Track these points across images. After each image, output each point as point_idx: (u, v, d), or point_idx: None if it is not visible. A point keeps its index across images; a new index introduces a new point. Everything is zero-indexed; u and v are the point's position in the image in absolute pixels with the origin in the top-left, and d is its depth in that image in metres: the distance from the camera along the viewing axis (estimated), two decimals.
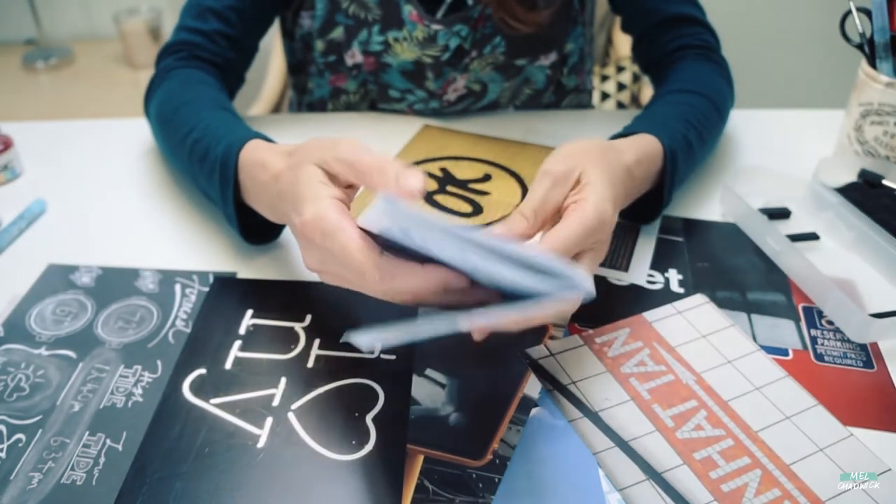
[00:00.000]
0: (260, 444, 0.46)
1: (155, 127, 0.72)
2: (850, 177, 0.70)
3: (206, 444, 0.46)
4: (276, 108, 1.53)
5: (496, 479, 0.45)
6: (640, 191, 0.61)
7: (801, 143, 0.81)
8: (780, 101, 2.03)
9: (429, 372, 0.52)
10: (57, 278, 0.61)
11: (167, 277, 0.61)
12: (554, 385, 0.51)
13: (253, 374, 0.51)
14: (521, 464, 0.45)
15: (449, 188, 0.73)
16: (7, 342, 0.54)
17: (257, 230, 0.61)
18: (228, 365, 0.52)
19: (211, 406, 0.49)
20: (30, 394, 0.50)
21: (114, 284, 0.60)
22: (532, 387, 0.51)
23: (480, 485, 0.44)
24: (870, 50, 0.70)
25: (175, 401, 0.49)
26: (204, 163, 0.60)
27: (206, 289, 0.59)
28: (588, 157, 0.52)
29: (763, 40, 1.97)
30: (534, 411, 0.49)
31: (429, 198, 0.71)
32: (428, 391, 0.50)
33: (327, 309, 0.57)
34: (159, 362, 0.52)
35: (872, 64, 0.70)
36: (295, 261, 0.62)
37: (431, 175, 0.75)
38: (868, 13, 0.70)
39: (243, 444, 0.46)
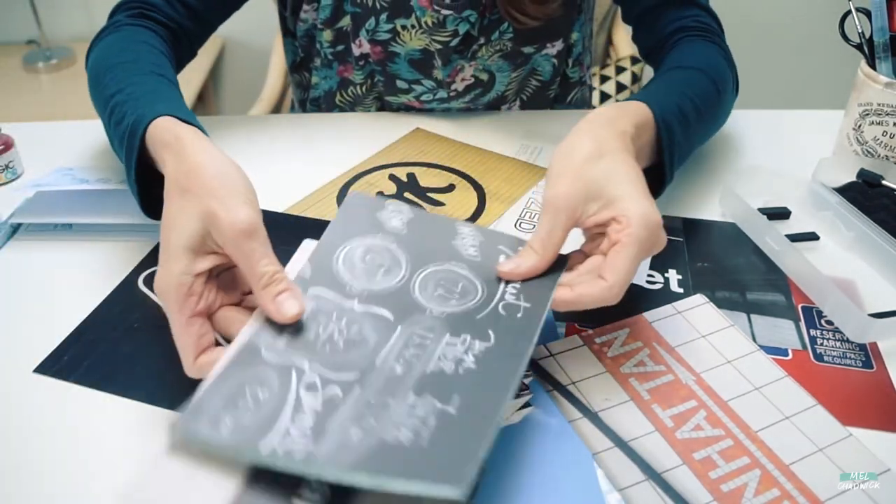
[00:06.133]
0: None
1: (89, 82, 0.69)
2: (850, 177, 0.70)
3: None
4: (277, 108, 1.53)
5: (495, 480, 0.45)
6: (641, 163, 0.57)
7: (800, 143, 0.81)
8: (780, 101, 2.04)
9: None
10: None
11: None
12: (554, 385, 0.51)
13: None
14: (522, 464, 0.46)
15: (406, 194, 0.72)
16: None
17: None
18: None
19: None
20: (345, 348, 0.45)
21: None
22: (531, 387, 0.51)
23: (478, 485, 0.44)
24: (869, 50, 0.70)
25: None
26: (118, 128, 0.58)
27: None
28: (591, 169, 0.50)
29: (763, 40, 1.97)
30: (533, 411, 0.49)
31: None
32: None
33: None
34: None
35: (872, 64, 0.70)
36: None
37: (396, 179, 0.74)
38: (868, 13, 0.70)
39: None
